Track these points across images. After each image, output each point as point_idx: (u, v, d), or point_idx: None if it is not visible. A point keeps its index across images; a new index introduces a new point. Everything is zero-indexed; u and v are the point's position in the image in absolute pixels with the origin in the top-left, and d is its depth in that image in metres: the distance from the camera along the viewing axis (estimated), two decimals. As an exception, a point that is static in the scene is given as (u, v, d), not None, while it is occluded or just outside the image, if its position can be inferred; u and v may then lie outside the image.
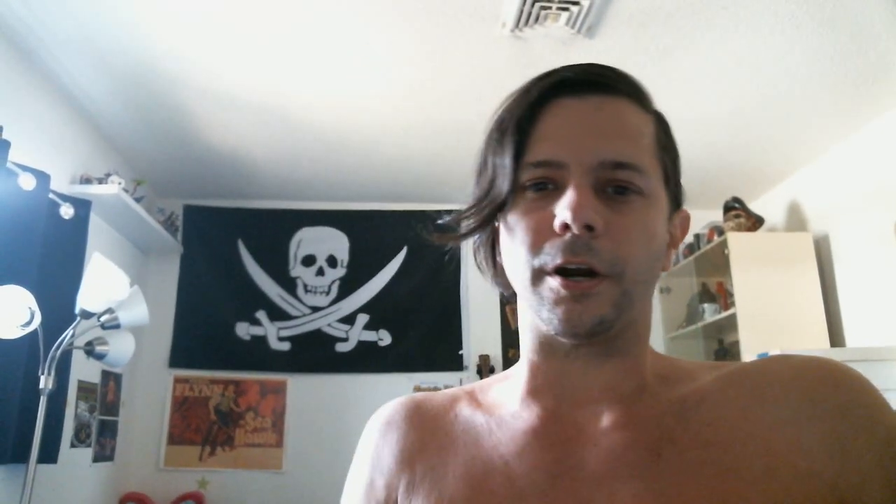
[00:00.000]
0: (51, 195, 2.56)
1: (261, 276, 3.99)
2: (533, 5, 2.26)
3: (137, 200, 3.25)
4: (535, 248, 0.56)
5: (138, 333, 2.87)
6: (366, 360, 3.92)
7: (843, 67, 2.64)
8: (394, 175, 3.76)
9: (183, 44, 2.53)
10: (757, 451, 0.52)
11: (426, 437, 0.64)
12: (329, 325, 3.97)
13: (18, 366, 2.30)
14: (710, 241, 3.63)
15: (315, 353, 3.92)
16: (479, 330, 4.00)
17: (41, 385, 2.23)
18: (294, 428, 3.80)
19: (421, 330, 3.99)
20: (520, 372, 0.65)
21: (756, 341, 3.15)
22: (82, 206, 2.78)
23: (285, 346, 3.92)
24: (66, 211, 2.62)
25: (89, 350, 2.42)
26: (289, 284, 4.00)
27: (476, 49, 2.54)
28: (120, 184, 3.01)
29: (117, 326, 2.42)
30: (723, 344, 3.83)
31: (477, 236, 0.65)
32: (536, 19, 2.33)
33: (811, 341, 3.18)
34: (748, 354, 3.13)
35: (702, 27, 2.40)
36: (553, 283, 0.55)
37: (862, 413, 0.53)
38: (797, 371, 0.56)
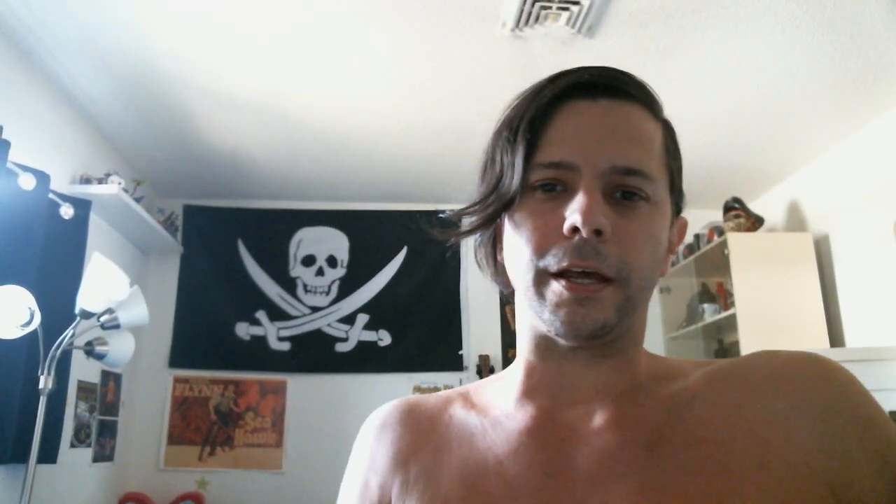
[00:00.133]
0: (51, 195, 2.56)
1: (261, 276, 3.99)
2: (533, 5, 2.26)
3: (137, 200, 3.25)
4: (541, 249, 0.56)
5: (138, 333, 2.88)
6: (366, 360, 3.92)
7: (843, 67, 2.64)
8: (393, 175, 3.76)
9: (183, 44, 2.53)
10: (750, 446, 0.53)
11: (420, 438, 0.64)
12: (329, 325, 3.97)
13: (18, 366, 2.30)
14: (710, 241, 3.63)
15: (315, 354, 3.92)
16: (479, 330, 4.00)
17: (41, 385, 2.23)
18: (294, 428, 3.80)
19: (421, 330, 3.99)
20: (515, 372, 0.65)
21: (756, 341, 3.15)
22: (82, 206, 2.78)
23: (285, 346, 3.92)
24: (66, 211, 2.62)
25: (89, 350, 2.42)
26: (289, 284, 4.00)
27: (476, 49, 2.54)
28: (120, 184, 3.01)
29: (117, 326, 2.42)
30: (723, 344, 3.83)
31: (478, 234, 0.65)
32: (536, 19, 2.33)
33: (811, 341, 3.18)
34: (748, 354, 3.12)
35: (702, 27, 2.40)
36: (557, 285, 0.55)
37: (852, 406, 0.54)
38: (787, 366, 0.57)
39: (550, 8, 2.27)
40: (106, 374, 3.33)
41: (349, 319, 3.98)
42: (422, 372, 3.92)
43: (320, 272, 4.04)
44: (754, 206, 3.82)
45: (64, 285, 2.48)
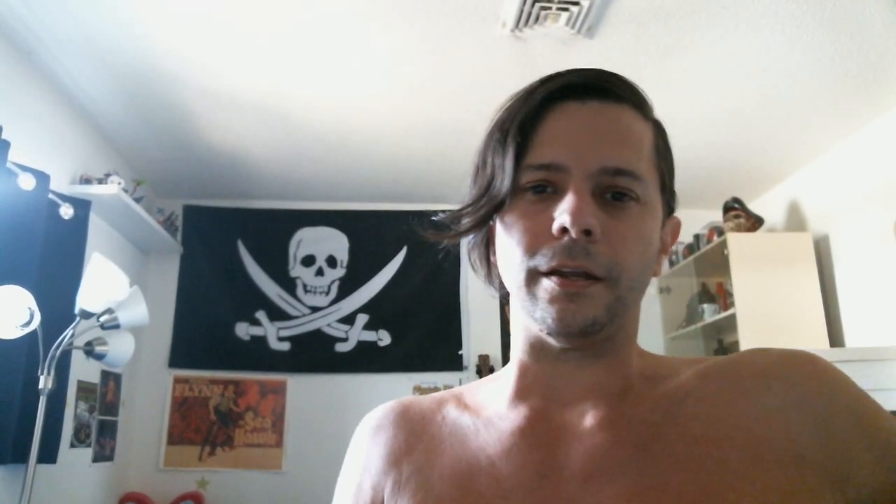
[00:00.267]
0: (51, 195, 2.56)
1: (260, 276, 3.99)
2: (533, 5, 2.26)
3: (137, 200, 3.25)
4: (532, 249, 0.57)
5: (138, 333, 2.88)
6: (365, 360, 3.92)
7: (843, 67, 2.64)
8: (393, 175, 3.76)
9: (183, 44, 2.53)
10: (745, 443, 0.53)
11: (413, 438, 0.64)
12: (329, 325, 3.97)
13: (18, 366, 2.30)
14: (709, 241, 3.63)
15: (315, 354, 3.92)
16: (479, 330, 4.00)
17: (41, 385, 2.23)
18: (294, 428, 3.80)
19: (421, 330, 3.99)
20: (509, 373, 0.65)
21: (756, 342, 3.14)
22: (82, 206, 2.79)
23: (285, 346, 3.92)
24: (66, 211, 2.62)
25: (89, 350, 2.42)
26: (288, 284, 4.00)
27: (476, 49, 2.54)
28: (120, 184, 3.01)
29: (117, 326, 2.42)
30: (722, 344, 3.83)
31: (472, 235, 0.66)
32: (536, 19, 2.33)
33: (811, 341, 3.18)
34: (748, 354, 3.12)
35: (702, 27, 2.40)
36: (548, 282, 0.56)
37: (847, 399, 0.55)
38: (778, 363, 0.57)
39: (550, 8, 2.27)
40: (106, 374, 3.33)
41: (349, 319, 3.98)
42: (422, 372, 3.92)
43: (320, 272, 4.04)
44: (754, 206, 3.82)
45: (64, 285, 2.48)
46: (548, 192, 0.58)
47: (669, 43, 2.49)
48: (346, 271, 4.06)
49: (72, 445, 2.98)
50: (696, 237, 3.80)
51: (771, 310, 3.30)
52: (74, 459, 3.01)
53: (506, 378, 0.65)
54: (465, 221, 0.62)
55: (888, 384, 2.56)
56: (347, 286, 4.03)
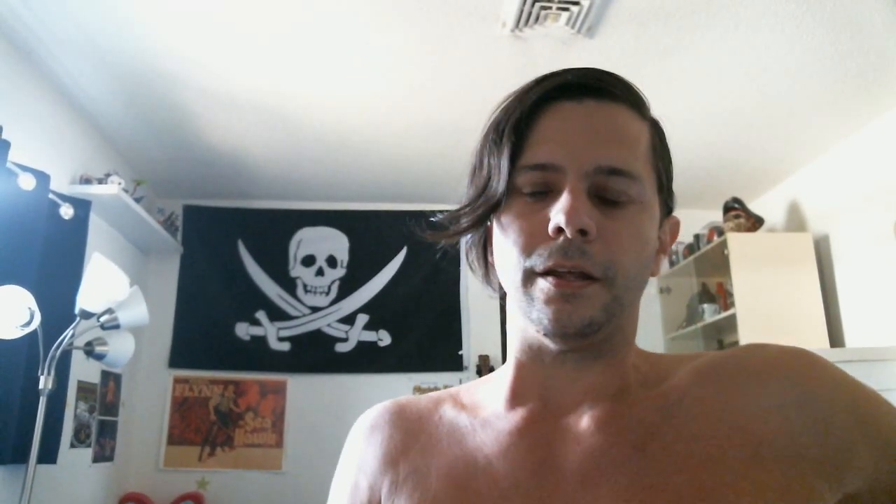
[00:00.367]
0: (51, 195, 2.56)
1: (260, 277, 3.99)
2: (533, 5, 2.26)
3: (137, 200, 3.25)
4: (528, 250, 0.56)
5: (138, 333, 2.88)
6: (366, 360, 3.92)
7: (843, 67, 2.64)
8: (393, 175, 3.76)
9: (183, 44, 2.53)
10: (742, 441, 0.53)
11: (410, 438, 0.64)
12: (329, 325, 3.97)
13: (18, 366, 2.30)
14: (709, 241, 3.63)
15: (315, 354, 3.92)
16: (479, 330, 4.00)
17: (41, 385, 2.23)
18: (294, 428, 3.80)
19: (421, 330, 3.99)
20: (506, 373, 0.65)
21: (756, 341, 3.14)
22: (82, 206, 2.78)
23: (285, 346, 3.92)
24: (66, 211, 2.62)
25: (89, 350, 2.42)
26: (288, 284, 4.00)
27: (476, 49, 2.54)
28: (120, 184, 3.01)
29: (117, 327, 2.42)
30: (723, 344, 3.83)
31: (469, 236, 0.66)
32: (536, 19, 2.33)
33: (811, 341, 3.17)
34: (748, 354, 3.12)
35: (702, 27, 2.40)
36: (544, 282, 0.56)
37: (845, 393, 0.55)
38: (775, 359, 0.57)
39: (550, 8, 2.27)
40: (106, 375, 3.33)
41: (349, 319, 3.98)
42: (422, 372, 3.92)
43: (320, 272, 4.04)
44: (754, 206, 3.81)
45: (64, 285, 2.48)
46: (543, 191, 0.57)
47: (669, 43, 2.49)
48: (346, 271, 4.06)
49: (72, 446, 2.98)
50: (696, 237, 3.79)
51: (771, 310, 3.30)
52: (74, 460, 3.01)
53: (503, 378, 0.65)
54: (462, 222, 0.62)
55: (888, 384, 2.56)
56: (347, 286, 4.03)
